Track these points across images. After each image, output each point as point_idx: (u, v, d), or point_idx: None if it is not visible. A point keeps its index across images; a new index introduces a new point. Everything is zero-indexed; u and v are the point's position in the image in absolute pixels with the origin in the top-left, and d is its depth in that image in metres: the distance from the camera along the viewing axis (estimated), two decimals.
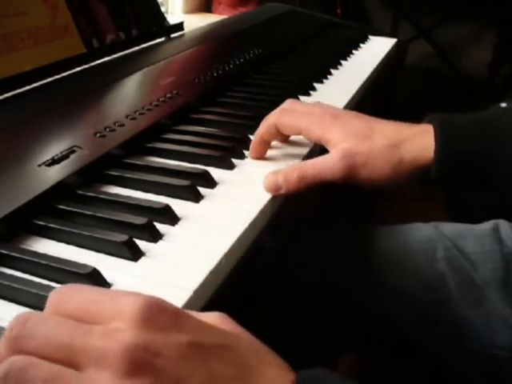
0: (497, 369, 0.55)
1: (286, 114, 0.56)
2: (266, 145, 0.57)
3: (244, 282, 0.47)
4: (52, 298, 0.28)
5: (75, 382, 0.25)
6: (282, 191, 0.50)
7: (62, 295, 0.28)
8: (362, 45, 1.10)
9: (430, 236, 0.61)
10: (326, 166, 0.52)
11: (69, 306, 0.28)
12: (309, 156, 0.59)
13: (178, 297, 0.37)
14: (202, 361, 0.26)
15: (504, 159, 0.50)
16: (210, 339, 0.27)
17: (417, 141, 0.52)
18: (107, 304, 0.27)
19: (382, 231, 0.64)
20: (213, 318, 0.29)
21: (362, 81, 0.85)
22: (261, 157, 0.57)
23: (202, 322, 0.28)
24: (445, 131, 0.51)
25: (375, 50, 1.07)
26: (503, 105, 0.55)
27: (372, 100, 0.96)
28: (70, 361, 0.25)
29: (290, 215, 0.57)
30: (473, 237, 0.60)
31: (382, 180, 0.52)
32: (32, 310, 0.36)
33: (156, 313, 0.26)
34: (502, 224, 0.61)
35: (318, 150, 0.58)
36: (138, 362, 0.25)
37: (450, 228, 0.62)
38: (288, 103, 0.59)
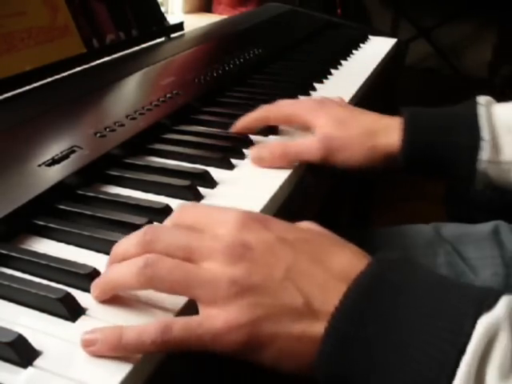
0: None
1: (273, 106, 0.62)
2: (249, 131, 0.62)
3: None
4: (175, 213, 0.39)
5: (193, 269, 0.34)
6: (266, 164, 0.55)
7: (183, 209, 0.38)
8: (362, 45, 1.10)
9: (430, 240, 0.60)
10: (306, 146, 0.57)
11: (187, 218, 0.37)
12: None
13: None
14: (288, 249, 0.34)
15: (461, 146, 0.53)
16: (292, 235, 0.36)
17: (390, 130, 0.56)
18: (215, 216, 0.37)
19: (380, 234, 0.64)
20: (300, 224, 0.38)
21: (362, 81, 0.85)
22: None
23: (286, 224, 0.37)
24: (410, 123, 0.55)
25: (375, 50, 1.07)
26: (481, 100, 0.55)
27: (372, 100, 0.96)
28: (188, 258, 0.34)
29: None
30: (473, 241, 0.59)
31: (356, 164, 0.56)
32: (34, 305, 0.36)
33: (249, 220, 0.36)
34: (502, 226, 0.61)
35: None
36: (237, 254, 0.34)
37: (449, 230, 0.61)
38: (277, 102, 0.64)
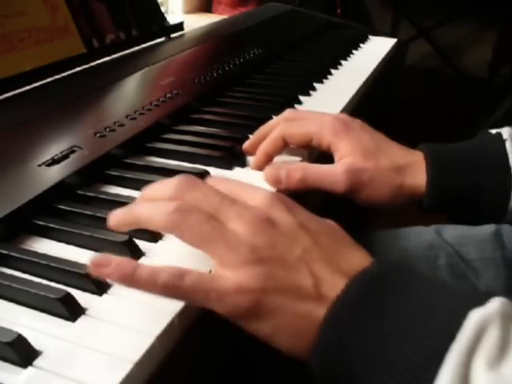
0: None
1: (293, 124, 0.55)
2: (270, 159, 0.55)
3: None
4: (208, 181, 0.41)
5: (219, 226, 0.35)
6: (282, 186, 0.51)
7: (217, 180, 0.41)
8: (362, 45, 1.10)
9: (431, 242, 0.60)
10: (329, 175, 0.51)
11: (220, 187, 0.39)
12: (310, 155, 0.59)
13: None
14: (307, 235, 0.36)
15: (491, 187, 0.51)
16: (314, 225, 0.38)
17: (417, 168, 0.52)
18: (247, 190, 0.39)
19: (380, 236, 0.63)
20: (323, 219, 0.40)
21: (362, 81, 0.85)
22: (262, 169, 0.55)
23: (310, 213, 0.39)
24: (434, 166, 0.52)
25: (375, 50, 1.07)
26: (493, 131, 0.54)
27: (372, 100, 0.96)
28: (215, 216, 0.36)
29: None
30: (474, 242, 0.59)
31: (379, 200, 0.52)
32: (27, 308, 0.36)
33: (278, 201, 0.38)
34: (505, 228, 0.60)
35: (318, 152, 0.58)
36: (262, 226, 0.36)
37: (450, 232, 0.61)
38: (288, 112, 0.57)
